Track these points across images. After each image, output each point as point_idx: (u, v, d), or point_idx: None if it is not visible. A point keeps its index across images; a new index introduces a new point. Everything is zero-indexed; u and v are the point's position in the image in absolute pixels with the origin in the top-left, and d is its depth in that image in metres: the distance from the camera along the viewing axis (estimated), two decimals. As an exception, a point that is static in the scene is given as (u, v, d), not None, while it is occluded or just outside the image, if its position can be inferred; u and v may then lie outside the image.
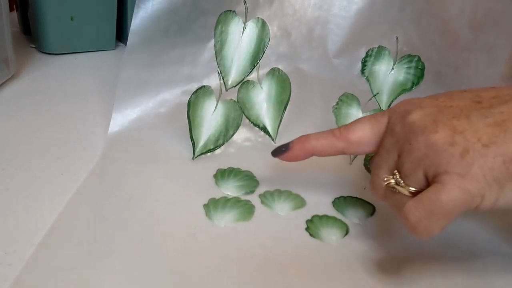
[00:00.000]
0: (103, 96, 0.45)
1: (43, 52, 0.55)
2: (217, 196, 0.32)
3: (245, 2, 0.38)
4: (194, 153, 0.36)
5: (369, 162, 0.35)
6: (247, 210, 0.31)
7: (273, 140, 0.38)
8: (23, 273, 0.24)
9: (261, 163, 0.36)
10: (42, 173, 0.33)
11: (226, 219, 0.30)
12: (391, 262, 0.28)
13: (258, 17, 0.38)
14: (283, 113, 0.38)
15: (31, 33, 0.57)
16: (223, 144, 0.36)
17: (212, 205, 0.31)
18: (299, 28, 0.43)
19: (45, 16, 0.52)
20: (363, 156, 0.38)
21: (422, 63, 0.39)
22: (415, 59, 0.40)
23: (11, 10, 0.63)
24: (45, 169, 0.33)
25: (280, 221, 0.31)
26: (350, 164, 0.38)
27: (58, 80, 0.49)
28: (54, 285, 0.24)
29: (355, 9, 0.43)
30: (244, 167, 0.36)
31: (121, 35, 0.60)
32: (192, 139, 0.36)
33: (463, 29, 0.43)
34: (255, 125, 0.38)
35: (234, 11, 0.38)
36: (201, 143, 0.36)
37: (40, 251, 0.26)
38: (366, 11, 0.43)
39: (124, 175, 0.33)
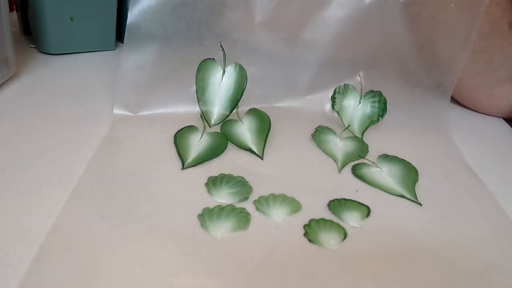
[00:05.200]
0: (103, 96, 0.45)
1: (43, 52, 0.55)
2: (211, 205, 0.31)
3: (223, 49, 0.40)
4: (183, 166, 0.36)
5: None
6: (243, 218, 0.30)
7: (260, 158, 0.38)
8: (25, 275, 0.24)
9: (252, 169, 0.36)
10: (42, 173, 0.33)
11: (222, 229, 0.29)
12: (392, 263, 0.28)
13: (236, 63, 0.41)
14: (266, 137, 0.40)
15: (31, 33, 0.57)
16: (211, 159, 0.37)
17: (207, 215, 0.30)
18: (273, 73, 0.47)
19: (45, 16, 0.52)
20: (351, 166, 0.39)
21: (384, 97, 0.44)
22: (378, 93, 0.45)
23: (11, 10, 0.64)
24: (45, 169, 0.33)
25: (277, 228, 0.30)
26: (339, 172, 0.38)
27: (58, 80, 0.49)
28: (55, 285, 0.24)
29: (321, 53, 0.47)
30: (235, 173, 0.35)
31: (121, 35, 0.60)
32: (180, 157, 0.37)
33: (418, 68, 0.47)
34: (242, 148, 0.39)
35: (213, 58, 0.41)
36: (189, 160, 0.37)
37: (41, 252, 0.26)
38: (331, 54, 0.47)
39: (123, 174, 0.33)
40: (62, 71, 0.51)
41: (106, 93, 0.46)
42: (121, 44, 0.62)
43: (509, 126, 0.52)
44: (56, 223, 0.28)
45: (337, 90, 0.45)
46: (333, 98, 0.45)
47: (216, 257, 0.27)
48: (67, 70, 0.52)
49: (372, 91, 0.45)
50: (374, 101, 0.44)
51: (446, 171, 0.40)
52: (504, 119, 0.54)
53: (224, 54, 0.41)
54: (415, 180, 0.37)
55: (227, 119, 0.41)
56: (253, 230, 0.30)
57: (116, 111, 0.41)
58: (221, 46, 0.41)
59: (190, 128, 0.40)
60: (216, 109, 0.41)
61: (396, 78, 0.47)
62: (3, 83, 0.46)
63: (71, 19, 0.54)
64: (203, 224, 0.29)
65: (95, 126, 0.40)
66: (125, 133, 0.39)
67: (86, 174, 0.33)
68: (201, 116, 0.41)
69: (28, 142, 0.36)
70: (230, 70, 0.41)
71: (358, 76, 0.45)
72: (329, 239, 0.30)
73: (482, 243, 0.31)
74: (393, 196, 0.35)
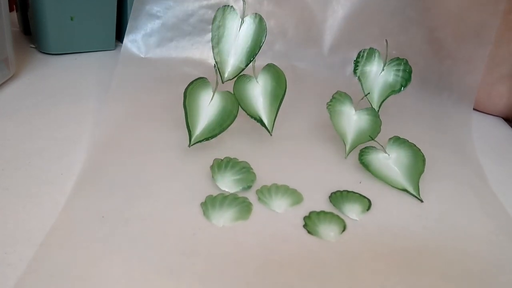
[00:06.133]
0: (103, 96, 0.45)
1: (43, 52, 0.55)
2: (214, 193, 0.32)
3: None
4: (190, 141, 0.35)
5: None
6: (245, 208, 0.31)
7: (269, 132, 0.38)
8: (24, 274, 0.24)
9: (257, 153, 0.36)
10: (42, 173, 0.33)
11: (224, 218, 0.30)
12: (390, 257, 0.28)
13: (255, 13, 0.39)
14: (278, 107, 0.38)
15: (31, 33, 0.57)
16: (219, 133, 0.36)
17: (210, 204, 0.31)
18: (295, 27, 0.44)
19: (45, 16, 0.52)
20: (357, 151, 0.38)
21: (410, 66, 0.41)
22: (404, 62, 0.42)
23: (11, 10, 0.64)
24: (45, 169, 0.33)
25: (278, 219, 0.31)
26: (345, 158, 0.38)
27: (58, 80, 0.49)
28: (55, 285, 0.24)
29: (348, 12, 0.44)
30: (241, 157, 0.35)
31: (121, 35, 0.60)
32: (188, 127, 0.36)
33: (447, 38, 0.45)
34: (252, 117, 0.38)
35: (232, 6, 0.38)
36: (197, 132, 0.36)
37: (41, 252, 0.26)
38: (358, 15, 0.44)
39: (122, 173, 0.33)
40: (62, 71, 0.51)
41: (106, 93, 0.46)
42: (121, 44, 0.62)
43: (508, 126, 0.52)
44: (56, 223, 0.28)
45: (361, 53, 0.42)
46: (355, 62, 0.42)
47: (215, 253, 0.27)
48: (67, 70, 0.52)
49: (398, 58, 0.42)
50: (398, 70, 0.41)
51: (453, 165, 0.39)
52: (503, 118, 0.53)
53: (244, 2, 0.38)
54: (421, 171, 0.36)
55: (241, 73, 0.38)
56: (254, 220, 0.30)
57: (125, 49, 0.38)
58: None
59: (202, 83, 0.37)
60: (232, 61, 0.38)
61: (425, 48, 0.44)
62: (3, 83, 0.46)
63: (71, 19, 0.54)
64: (205, 213, 0.30)
65: (94, 125, 0.40)
66: (128, 90, 0.36)
67: (85, 172, 0.33)
68: (214, 66, 0.38)
69: (28, 142, 0.36)
70: (249, 20, 0.38)
71: (385, 41, 0.41)
72: (328, 231, 0.30)
73: (483, 242, 0.31)
74: (395, 190, 0.35)
